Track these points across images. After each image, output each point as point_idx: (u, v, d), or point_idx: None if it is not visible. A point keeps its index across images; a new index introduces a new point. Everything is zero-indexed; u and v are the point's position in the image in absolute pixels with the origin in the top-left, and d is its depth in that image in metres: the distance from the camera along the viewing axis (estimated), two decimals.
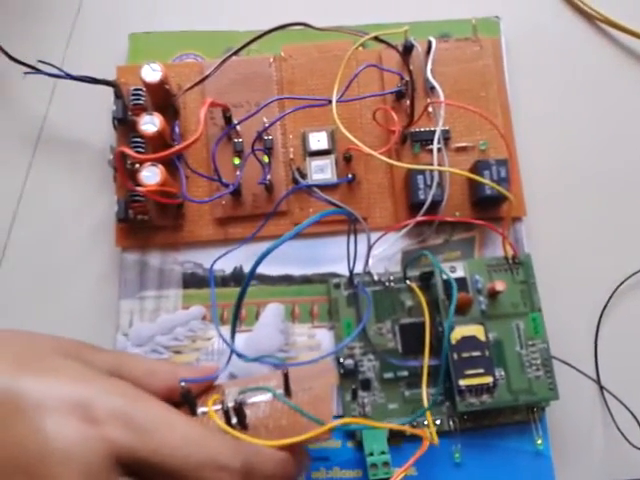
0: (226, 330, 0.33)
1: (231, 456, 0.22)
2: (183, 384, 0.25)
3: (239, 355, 0.25)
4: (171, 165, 0.32)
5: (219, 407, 0.24)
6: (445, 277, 0.30)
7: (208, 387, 0.27)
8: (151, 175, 0.30)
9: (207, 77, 0.33)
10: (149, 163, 0.30)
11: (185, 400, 0.25)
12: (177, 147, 0.28)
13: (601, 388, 0.32)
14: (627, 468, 0.31)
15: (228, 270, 0.34)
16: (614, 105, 0.36)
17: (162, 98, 0.33)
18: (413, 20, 0.35)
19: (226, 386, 0.27)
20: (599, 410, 0.32)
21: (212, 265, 0.33)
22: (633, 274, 0.34)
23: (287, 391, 0.26)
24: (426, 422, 0.30)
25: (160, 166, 0.30)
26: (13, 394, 0.20)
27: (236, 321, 0.24)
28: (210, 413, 0.23)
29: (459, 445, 0.31)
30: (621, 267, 0.34)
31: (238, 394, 0.24)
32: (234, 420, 0.24)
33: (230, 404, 0.24)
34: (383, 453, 0.30)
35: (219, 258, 0.33)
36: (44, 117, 0.36)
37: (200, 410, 0.25)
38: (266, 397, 0.25)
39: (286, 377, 0.25)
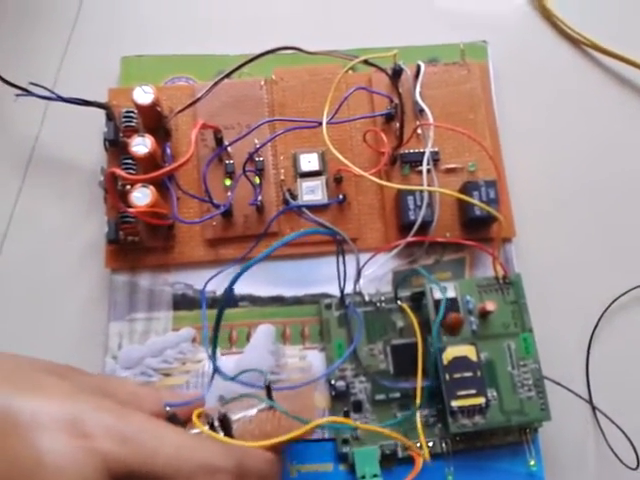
0: (217, 352, 0.33)
1: (223, 459, 0.22)
2: (168, 408, 0.25)
3: (219, 372, 0.26)
4: (162, 186, 0.32)
5: (204, 423, 0.25)
6: (437, 293, 0.31)
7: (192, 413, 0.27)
8: (142, 196, 0.30)
9: (199, 99, 0.33)
10: (140, 184, 0.30)
11: (172, 422, 0.25)
12: (168, 168, 0.28)
13: (593, 408, 0.32)
14: None
15: (219, 291, 0.34)
16: (600, 126, 0.37)
17: (154, 120, 0.33)
18: (402, 45, 0.36)
19: (215, 408, 0.27)
20: (591, 430, 0.32)
21: (204, 287, 0.33)
22: (624, 293, 0.34)
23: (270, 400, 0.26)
24: (418, 443, 0.29)
25: (151, 187, 0.30)
26: (6, 412, 0.20)
27: (216, 338, 0.24)
28: (194, 421, 0.23)
29: (452, 467, 0.31)
30: (612, 286, 0.34)
31: (222, 405, 0.25)
32: (221, 433, 0.24)
33: (215, 419, 0.24)
34: (375, 476, 0.29)
35: (210, 279, 0.33)
36: (35, 138, 0.36)
37: (190, 432, 0.25)
38: (251, 412, 0.26)
39: (269, 389, 0.26)
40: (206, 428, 0.23)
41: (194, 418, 0.24)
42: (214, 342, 0.24)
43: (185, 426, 0.25)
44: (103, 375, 0.25)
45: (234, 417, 0.25)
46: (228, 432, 0.25)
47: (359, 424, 0.29)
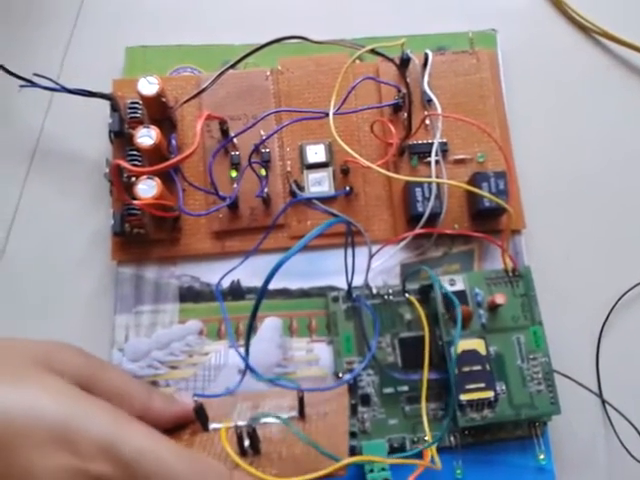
0: (222, 345, 0.33)
1: None
2: (196, 398, 0.25)
3: (253, 372, 0.24)
4: (168, 178, 0.32)
5: (232, 430, 0.24)
6: (445, 291, 0.30)
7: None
8: (147, 188, 0.30)
9: (204, 90, 0.32)
10: (145, 176, 0.30)
11: (197, 415, 0.25)
12: (174, 160, 0.28)
13: (603, 402, 0.32)
14: None
15: (225, 284, 0.33)
16: (612, 116, 0.36)
17: (159, 111, 0.33)
18: (410, 33, 0.35)
19: (239, 401, 0.26)
20: (601, 424, 0.32)
21: (219, 282, 0.32)
22: (635, 285, 0.33)
23: (301, 414, 0.25)
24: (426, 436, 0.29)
25: (157, 179, 0.30)
26: None
27: (250, 334, 0.23)
28: (224, 442, 0.22)
29: (460, 461, 0.30)
30: (623, 278, 0.33)
31: (251, 419, 0.24)
32: (247, 442, 0.23)
33: (243, 425, 0.23)
34: (383, 470, 0.29)
35: (225, 275, 0.32)
36: (40, 130, 0.36)
37: (212, 426, 0.25)
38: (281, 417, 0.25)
39: (301, 400, 0.25)
40: (231, 437, 0.23)
41: (223, 438, 0.22)
42: (247, 339, 0.23)
43: (208, 420, 0.25)
44: (94, 360, 0.24)
45: (262, 420, 0.24)
46: (254, 444, 0.24)
47: (388, 459, 0.28)
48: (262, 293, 0.22)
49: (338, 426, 0.24)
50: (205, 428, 0.25)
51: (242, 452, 0.23)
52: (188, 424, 0.25)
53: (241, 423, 0.23)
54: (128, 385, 0.25)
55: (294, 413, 0.25)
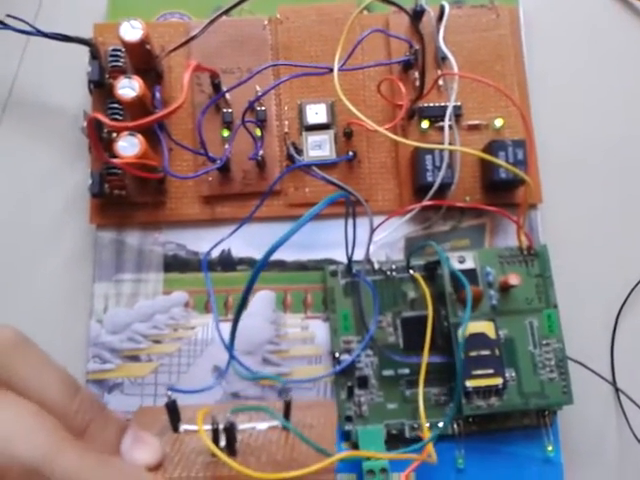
0: (209, 319, 0.30)
1: None
2: (170, 393, 0.22)
3: (237, 363, 0.22)
4: (152, 136, 0.29)
5: (208, 426, 0.21)
6: (454, 263, 0.28)
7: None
8: (129, 146, 0.27)
9: (193, 38, 0.29)
10: (127, 132, 0.27)
11: (169, 411, 0.22)
12: (157, 115, 0.25)
13: (617, 391, 0.30)
14: None
15: (215, 254, 0.31)
16: None
17: (143, 60, 0.30)
18: None
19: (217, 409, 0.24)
20: (614, 414, 0.30)
21: (208, 252, 0.29)
22: None
23: (286, 417, 0.23)
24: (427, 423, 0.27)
25: (139, 136, 0.27)
26: None
27: (237, 322, 0.21)
28: (198, 422, 0.20)
29: (463, 450, 0.28)
30: None
31: (231, 412, 0.21)
32: (222, 443, 0.21)
33: (221, 424, 0.21)
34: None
35: (216, 245, 0.29)
36: (14, 78, 0.33)
37: (183, 427, 0.23)
38: (261, 426, 0.23)
39: (288, 406, 0.23)
40: (208, 428, 0.21)
41: (199, 418, 0.21)
42: (234, 326, 0.21)
43: (180, 418, 0.22)
44: (40, 367, 0.20)
45: (240, 426, 0.22)
46: (231, 444, 0.22)
47: (381, 454, 0.26)
48: (253, 279, 0.19)
49: (327, 439, 0.22)
50: (175, 428, 0.22)
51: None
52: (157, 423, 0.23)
53: (221, 425, 0.21)
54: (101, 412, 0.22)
55: (275, 422, 0.23)
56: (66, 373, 0.21)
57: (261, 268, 0.20)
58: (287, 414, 0.23)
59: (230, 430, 0.21)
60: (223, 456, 0.20)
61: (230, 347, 0.23)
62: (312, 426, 0.24)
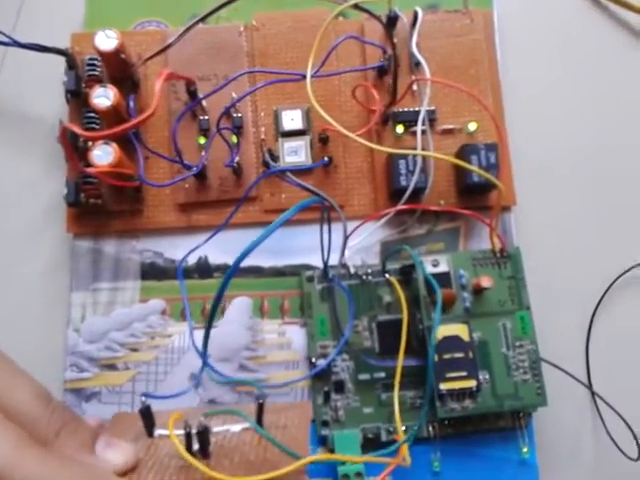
0: (186, 327, 0.30)
1: None
2: (144, 399, 0.23)
3: (210, 369, 0.23)
4: (128, 145, 0.29)
5: (181, 431, 0.22)
6: (428, 267, 0.28)
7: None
8: (103, 154, 0.27)
9: (169, 46, 0.29)
10: (101, 141, 0.27)
11: (143, 416, 0.23)
12: (129, 123, 0.25)
13: (592, 393, 0.30)
14: None
15: (192, 261, 0.31)
16: (614, 87, 0.34)
17: (119, 69, 0.30)
18: None
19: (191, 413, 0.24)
20: (590, 417, 0.30)
21: (183, 259, 0.29)
22: (629, 269, 0.31)
23: (259, 423, 0.23)
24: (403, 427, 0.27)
25: (114, 144, 0.27)
26: None
27: (209, 329, 0.22)
28: (169, 427, 0.21)
29: (438, 453, 0.29)
30: (617, 262, 0.31)
31: (204, 416, 0.22)
32: (196, 446, 0.22)
33: (194, 429, 0.21)
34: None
35: (191, 252, 0.29)
36: None
37: (158, 432, 0.23)
38: (234, 428, 0.23)
39: (261, 407, 0.23)
40: (180, 433, 0.21)
41: (170, 423, 0.21)
42: (207, 332, 0.22)
43: (154, 423, 0.23)
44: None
45: (214, 429, 0.23)
46: (204, 447, 0.22)
47: (354, 458, 0.26)
48: (224, 286, 0.20)
49: (300, 441, 0.23)
50: (150, 433, 0.23)
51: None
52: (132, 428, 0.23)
53: (193, 429, 0.21)
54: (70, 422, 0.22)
55: (247, 425, 0.23)
56: (37, 383, 0.21)
57: (232, 274, 0.21)
58: (260, 416, 0.23)
59: (203, 433, 0.22)
60: (193, 460, 0.20)
61: (203, 354, 0.23)
62: (285, 427, 0.24)
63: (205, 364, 0.24)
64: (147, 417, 0.23)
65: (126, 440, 0.23)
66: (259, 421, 0.23)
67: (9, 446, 0.18)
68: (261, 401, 0.23)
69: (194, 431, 0.21)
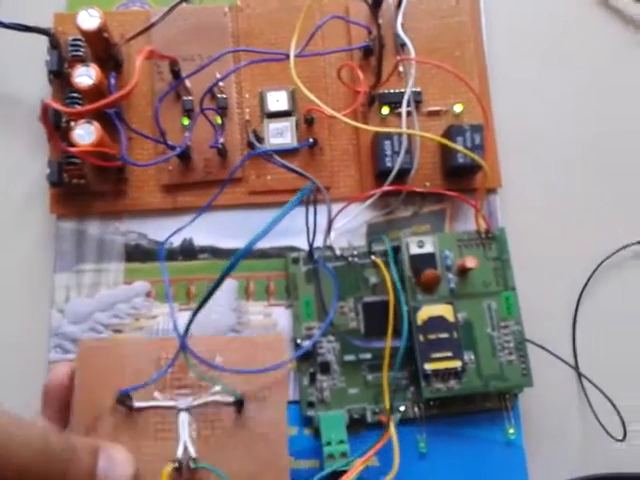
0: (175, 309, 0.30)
1: None
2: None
3: (189, 353, 0.24)
4: (111, 125, 0.29)
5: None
6: (413, 248, 0.28)
7: None
8: (85, 134, 0.27)
9: (152, 26, 0.29)
10: (83, 121, 0.27)
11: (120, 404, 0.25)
12: (107, 99, 0.25)
13: (579, 375, 0.30)
14: (605, 461, 0.29)
15: (176, 243, 0.31)
16: (600, 69, 0.34)
17: (102, 48, 0.30)
18: None
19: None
20: (576, 398, 0.30)
21: (165, 241, 0.29)
22: (616, 251, 0.31)
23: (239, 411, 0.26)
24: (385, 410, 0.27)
25: (96, 124, 0.27)
26: None
27: (196, 314, 0.22)
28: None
29: (424, 434, 0.29)
30: (603, 244, 0.31)
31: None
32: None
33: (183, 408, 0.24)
34: (342, 442, 0.27)
35: (173, 234, 0.29)
36: None
37: (136, 405, 0.25)
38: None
39: (241, 404, 0.26)
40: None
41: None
42: (192, 316, 0.22)
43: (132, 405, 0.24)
44: None
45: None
46: None
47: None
48: (222, 278, 0.21)
49: (278, 423, 0.25)
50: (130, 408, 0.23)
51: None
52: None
53: (180, 405, 0.22)
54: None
55: (230, 399, 0.25)
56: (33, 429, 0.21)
57: (231, 269, 0.21)
58: (239, 409, 0.25)
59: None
60: None
61: (183, 337, 0.23)
62: (264, 397, 0.26)
63: (184, 347, 0.24)
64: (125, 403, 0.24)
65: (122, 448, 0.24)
66: (239, 410, 0.25)
67: None
68: (240, 398, 0.25)
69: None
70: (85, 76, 0.28)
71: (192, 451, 0.25)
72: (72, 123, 0.29)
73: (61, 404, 0.26)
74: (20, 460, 0.19)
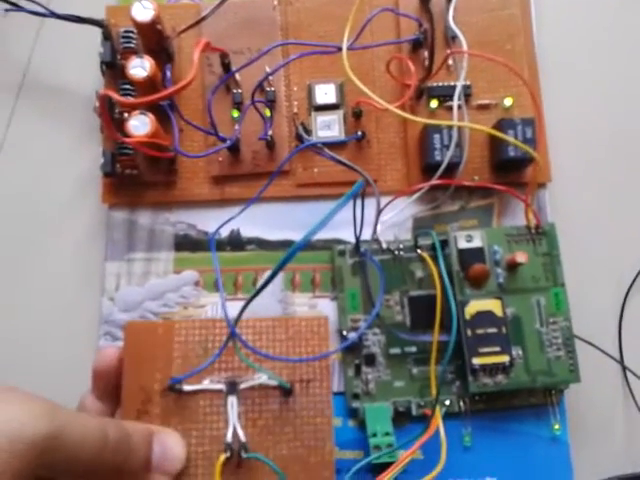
0: (219, 297, 0.30)
1: None
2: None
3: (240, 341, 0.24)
4: (164, 116, 0.29)
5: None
6: (461, 242, 0.28)
7: None
8: (140, 125, 0.27)
9: (203, 19, 0.30)
10: (138, 112, 0.27)
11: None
12: (166, 91, 0.25)
13: (624, 369, 0.30)
14: None
15: (224, 234, 0.31)
16: None
17: (154, 40, 0.30)
18: None
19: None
20: (621, 393, 0.30)
21: (215, 232, 0.29)
22: None
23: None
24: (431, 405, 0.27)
25: (150, 115, 0.28)
26: None
27: (248, 304, 0.22)
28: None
29: (469, 428, 0.29)
30: None
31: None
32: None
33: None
34: (387, 434, 0.27)
35: (224, 224, 0.29)
36: (28, 60, 0.33)
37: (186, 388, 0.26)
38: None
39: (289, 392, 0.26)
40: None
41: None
42: (243, 308, 0.22)
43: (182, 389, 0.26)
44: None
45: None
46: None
47: None
48: (276, 271, 0.21)
49: (324, 408, 0.26)
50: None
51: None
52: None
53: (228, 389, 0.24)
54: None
55: (275, 382, 0.26)
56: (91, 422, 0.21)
57: (283, 265, 0.21)
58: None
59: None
60: None
61: (233, 326, 0.23)
62: (309, 380, 0.27)
63: (234, 335, 0.24)
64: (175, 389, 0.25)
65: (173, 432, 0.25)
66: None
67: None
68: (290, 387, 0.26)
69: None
70: (139, 68, 0.28)
71: (241, 434, 0.25)
72: (125, 114, 0.29)
73: (110, 386, 0.26)
74: (81, 455, 0.20)
